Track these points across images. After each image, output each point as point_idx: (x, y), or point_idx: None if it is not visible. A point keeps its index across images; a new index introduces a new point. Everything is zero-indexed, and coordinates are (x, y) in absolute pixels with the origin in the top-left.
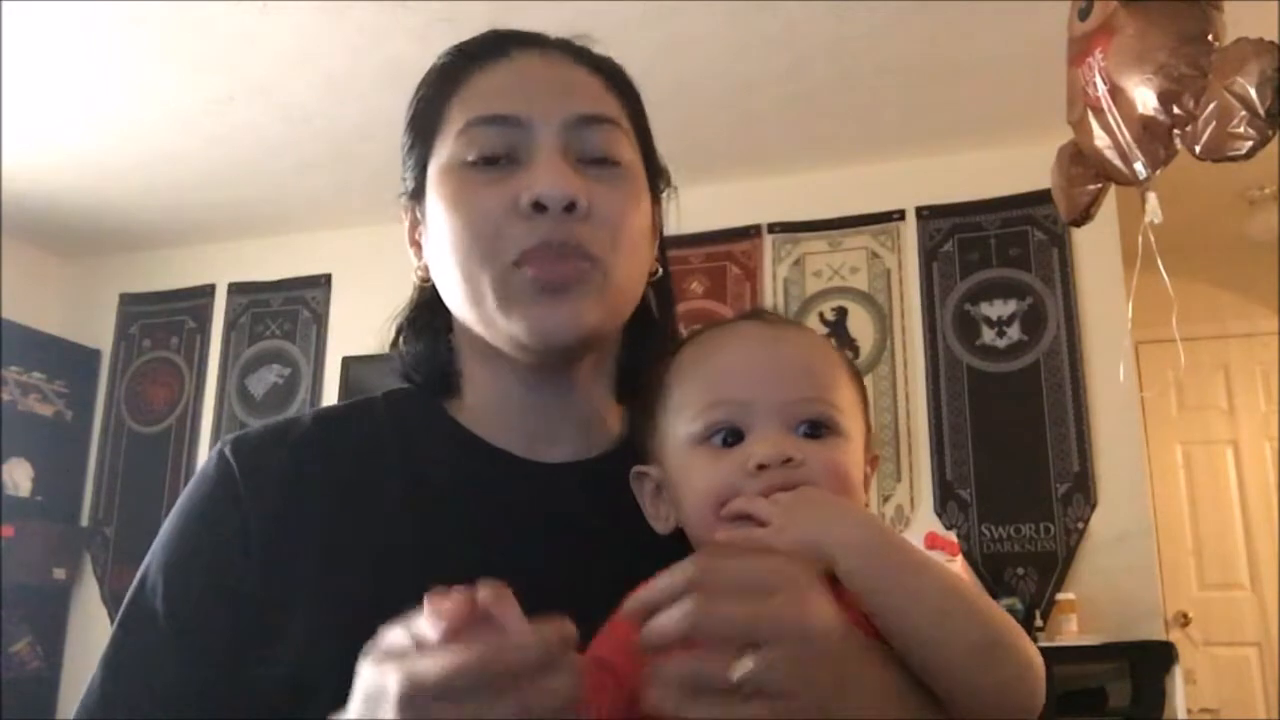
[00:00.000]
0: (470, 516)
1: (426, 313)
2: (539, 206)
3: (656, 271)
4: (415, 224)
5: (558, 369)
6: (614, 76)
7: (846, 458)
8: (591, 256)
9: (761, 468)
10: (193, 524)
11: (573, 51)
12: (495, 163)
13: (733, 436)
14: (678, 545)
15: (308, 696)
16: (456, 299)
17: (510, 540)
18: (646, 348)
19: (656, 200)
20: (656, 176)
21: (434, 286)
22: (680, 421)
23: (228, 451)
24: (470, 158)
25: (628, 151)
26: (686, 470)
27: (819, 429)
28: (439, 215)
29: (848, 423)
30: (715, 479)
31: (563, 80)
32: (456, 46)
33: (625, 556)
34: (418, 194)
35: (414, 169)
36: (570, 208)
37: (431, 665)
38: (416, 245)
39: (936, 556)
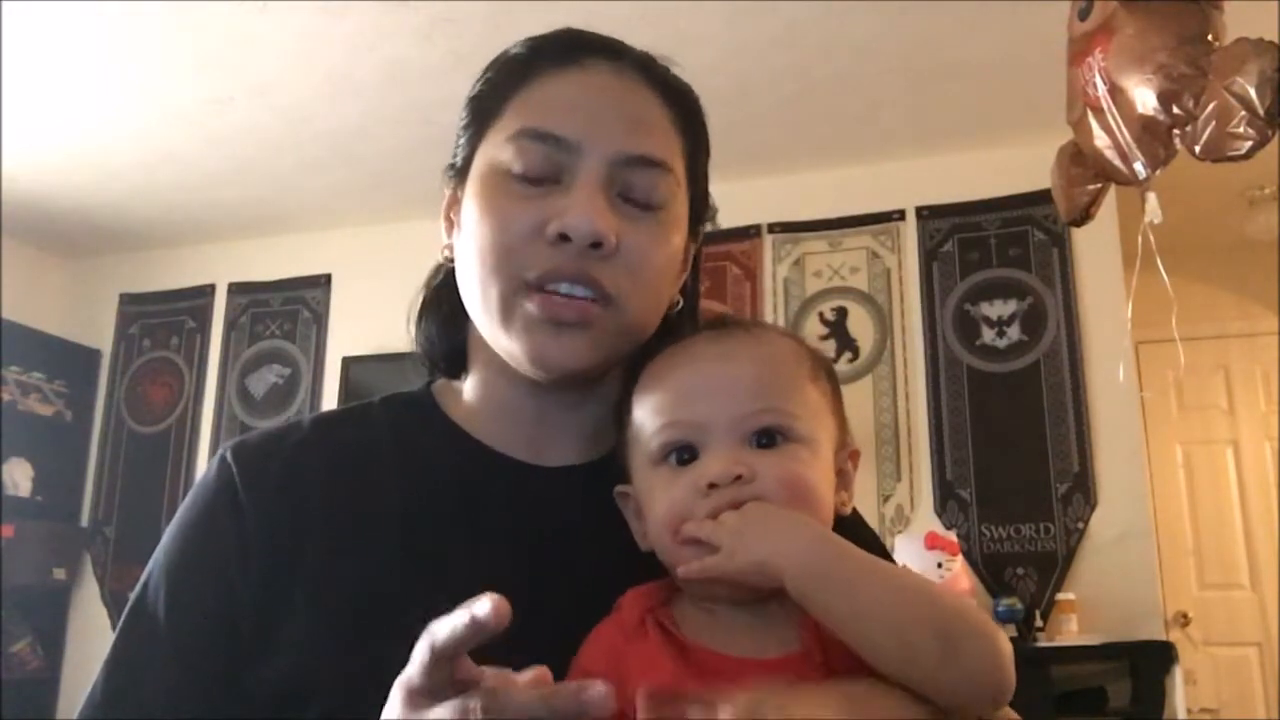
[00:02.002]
0: (469, 521)
1: (446, 292)
2: (565, 237)
3: (677, 304)
4: (454, 201)
5: (557, 384)
6: (684, 107)
7: (803, 465)
8: (607, 295)
9: (712, 487)
10: (194, 530)
11: (649, 73)
12: (539, 181)
13: (688, 454)
14: None
15: (306, 699)
16: (470, 301)
17: (509, 544)
18: None
19: (695, 234)
20: (701, 212)
21: (454, 270)
22: (640, 443)
23: (229, 457)
24: (515, 169)
25: (674, 192)
26: (649, 492)
27: (774, 438)
28: (471, 215)
29: (808, 428)
30: (670, 501)
31: (628, 109)
32: (530, 39)
33: (622, 560)
34: (463, 173)
35: (465, 149)
36: (597, 245)
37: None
38: (449, 221)
39: (936, 556)
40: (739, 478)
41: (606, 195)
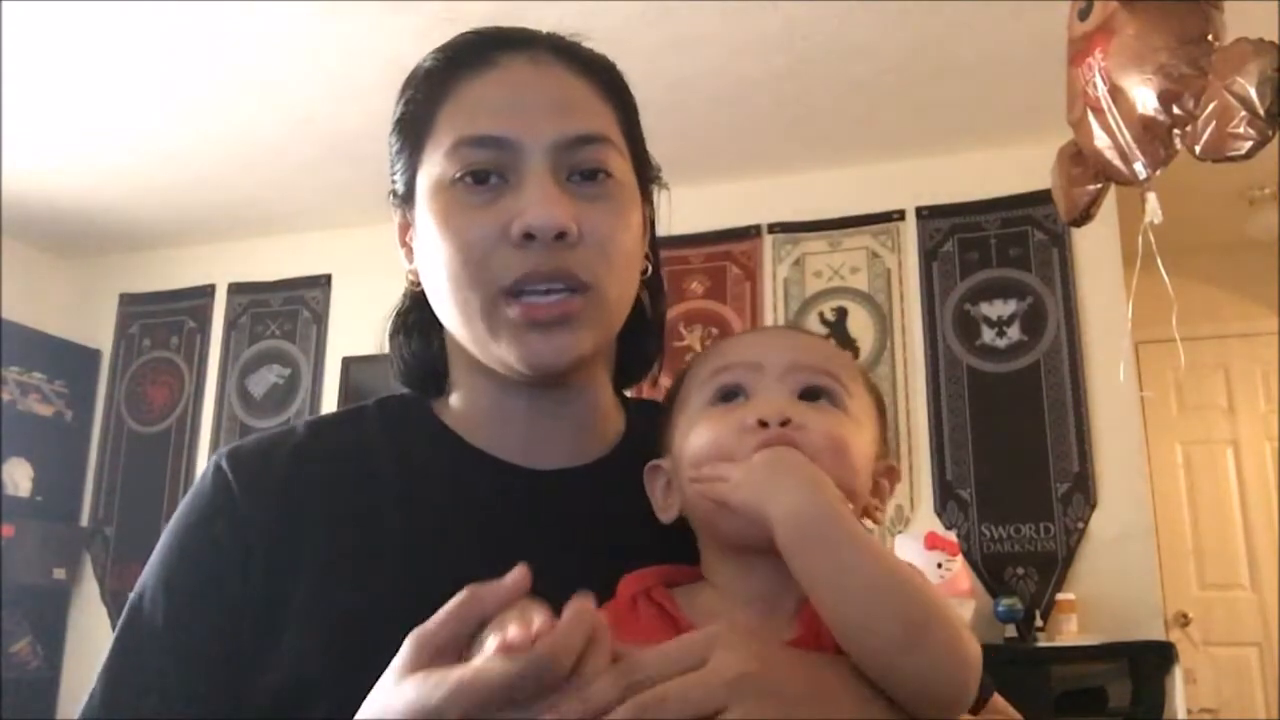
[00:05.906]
0: (464, 524)
1: (418, 314)
2: (529, 235)
3: (647, 270)
4: (406, 227)
5: (549, 381)
6: (606, 78)
7: (847, 431)
8: (583, 283)
9: (763, 424)
10: (190, 537)
11: (564, 53)
12: (485, 180)
13: (742, 396)
14: (669, 552)
15: (304, 704)
16: (448, 316)
17: (504, 547)
18: (640, 344)
19: (647, 198)
20: (646, 175)
21: (425, 290)
22: (691, 394)
23: (224, 464)
24: (458, 175)
25: (619, 163)
26: (690, 436)
27: (821, 395)
28: (429, 232)
29: (856, 406)
30: (713, 435)
31: (554, 94)
32: (441, 50)
33: (617, 563)
34: (408, 198)
35: (403, 174)
36: (561, 236)
37: (495, 673)
38: (407, 247)
39: (936, 557)
40: (788, 421)
41: (557, 183)
